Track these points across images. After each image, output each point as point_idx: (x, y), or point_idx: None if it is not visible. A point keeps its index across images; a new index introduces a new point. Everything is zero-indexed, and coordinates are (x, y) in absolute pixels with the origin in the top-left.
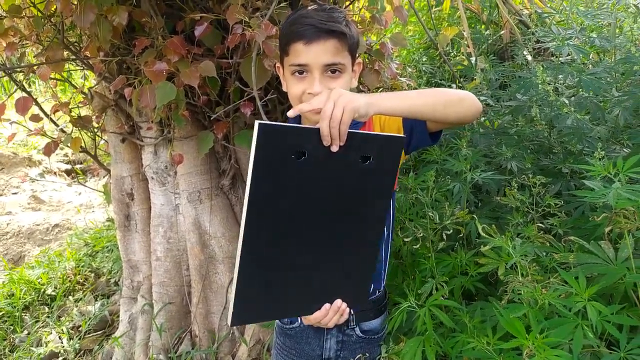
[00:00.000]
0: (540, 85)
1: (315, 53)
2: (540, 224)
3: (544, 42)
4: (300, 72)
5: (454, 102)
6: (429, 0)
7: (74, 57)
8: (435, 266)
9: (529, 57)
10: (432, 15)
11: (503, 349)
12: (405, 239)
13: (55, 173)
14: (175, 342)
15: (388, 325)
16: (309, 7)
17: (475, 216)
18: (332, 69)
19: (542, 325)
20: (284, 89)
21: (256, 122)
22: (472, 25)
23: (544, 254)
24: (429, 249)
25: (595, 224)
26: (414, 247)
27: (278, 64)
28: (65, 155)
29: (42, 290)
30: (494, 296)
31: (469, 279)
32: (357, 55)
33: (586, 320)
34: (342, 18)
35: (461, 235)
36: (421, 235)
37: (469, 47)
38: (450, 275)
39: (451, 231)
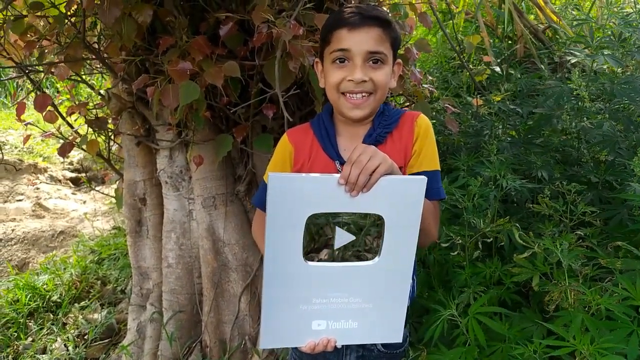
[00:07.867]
0: (575, 91)
1: (359, 38)
2: (579, 232)
3: (570, 53)
4: (342, 60)
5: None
6: (451, 9)
7: (94, 57)
8: (469, 276)
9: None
10: (454, 27)
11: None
12: (443, 244)
13: (60, 181)
14: (185, 352)
15: (426, 335)
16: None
17: (517, 225)
18: (375, 58)
19: (592, 332)
20: (321, 85)
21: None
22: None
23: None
24: (464, 257)
25: (630, 230)
26: (452, 254)
27: (317, 60)
28: (71, 163)
29: (48, 297)
30: (527, 307)
31: (505, 290)
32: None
33: None
34: (387, 13)
35: (502, 244)
36: (459, 242)
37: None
38: (484, 286)
39: (491, 239)
